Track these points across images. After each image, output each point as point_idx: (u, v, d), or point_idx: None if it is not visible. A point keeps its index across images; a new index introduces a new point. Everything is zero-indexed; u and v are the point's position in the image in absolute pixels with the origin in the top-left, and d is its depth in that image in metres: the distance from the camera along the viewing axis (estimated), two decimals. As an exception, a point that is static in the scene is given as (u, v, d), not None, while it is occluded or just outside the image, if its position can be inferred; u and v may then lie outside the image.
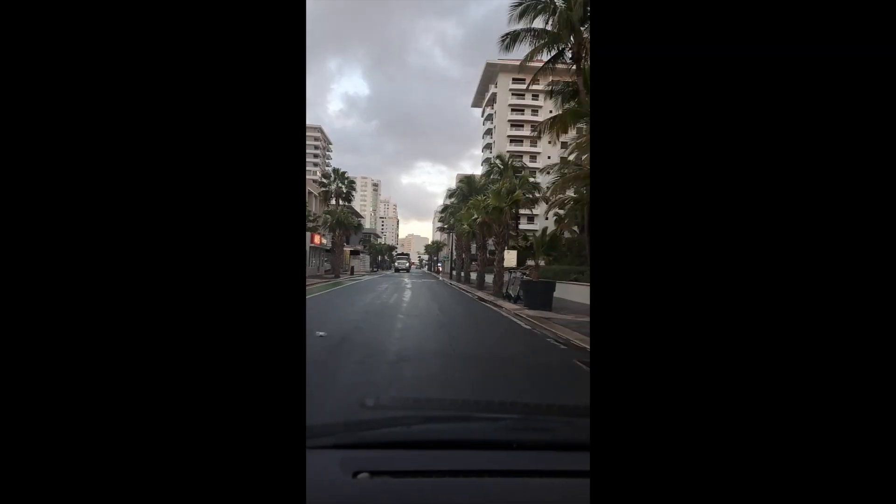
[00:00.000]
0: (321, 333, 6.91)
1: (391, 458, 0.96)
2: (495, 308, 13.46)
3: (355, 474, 0.85)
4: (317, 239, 33.64)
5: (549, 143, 20.61)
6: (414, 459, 0.94)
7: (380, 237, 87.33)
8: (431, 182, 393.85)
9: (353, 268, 35.73)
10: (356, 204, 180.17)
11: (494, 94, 61.17)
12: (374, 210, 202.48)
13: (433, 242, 70.91)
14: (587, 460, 0.78)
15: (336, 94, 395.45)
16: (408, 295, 17.86)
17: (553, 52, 16.07)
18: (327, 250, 36.44)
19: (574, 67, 15.43)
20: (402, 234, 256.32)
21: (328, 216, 32.63)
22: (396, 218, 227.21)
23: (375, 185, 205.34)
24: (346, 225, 32.90)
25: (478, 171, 46.56)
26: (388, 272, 40.95)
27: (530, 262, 21.23)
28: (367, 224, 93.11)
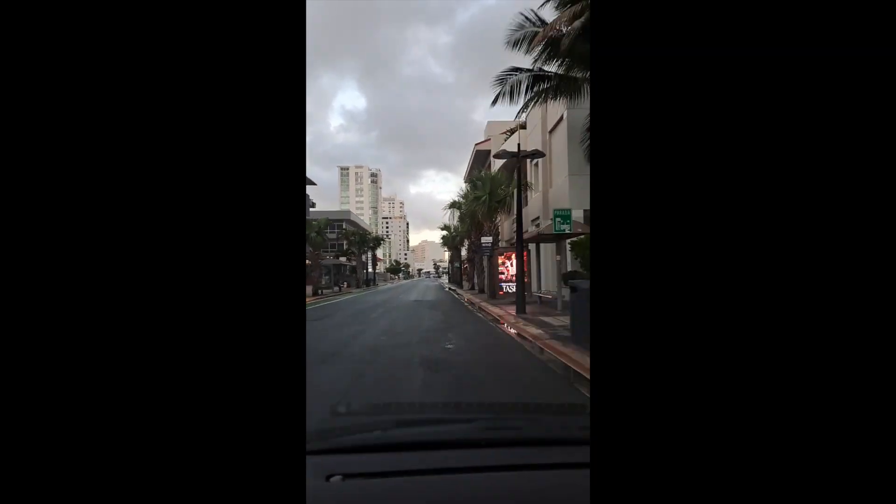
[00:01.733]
0: None
1: (364, 461, 0.97)
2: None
3: (328, 477, 0.87)
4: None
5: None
6: (386, 462, 0.97)
7: (370, 231, 47.22)
8: (439, 190, 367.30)
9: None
10: (351, 200, 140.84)
11: None
12: (375, 208, 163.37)
13: (470, 191, 21.64)
14: (554, 454, 0.96)
15: (334, 110, 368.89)
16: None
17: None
18: None
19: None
20: (413, 241, 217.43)
21: None
22: (404, 218, 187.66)
23: (374, 175, 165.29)
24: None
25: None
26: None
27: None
28: (369, 227, 55.02)
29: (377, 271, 77.04)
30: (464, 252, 37.28)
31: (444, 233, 40.10)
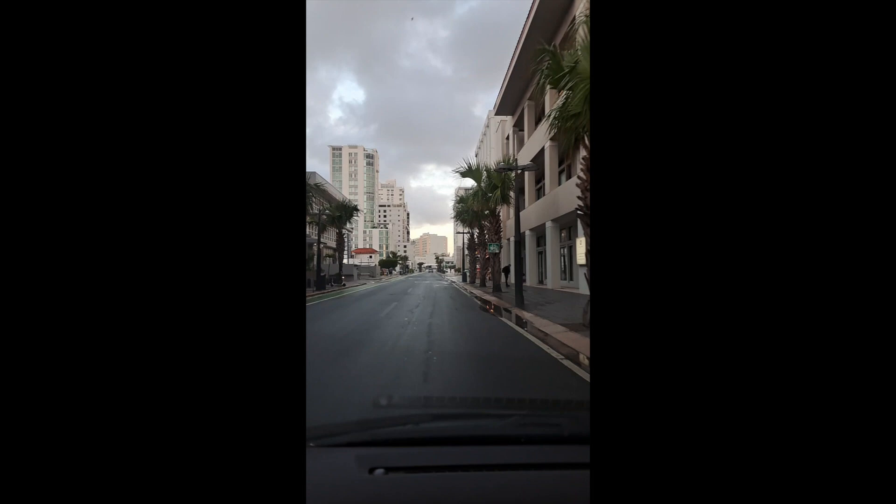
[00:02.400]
0: None
1: (405, 454, 0.99)
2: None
3: (371, 470, 0.89)
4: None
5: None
6: (427, 456, 0.99)
7: (345, 201, 27.55)
8: (440, 185, 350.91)
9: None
10: (344, 185, 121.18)
11: None
12: (371, 194, 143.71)
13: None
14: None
15: (333, 102, 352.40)
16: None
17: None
18: None
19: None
20: (415, 234, 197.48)
21: None
22: (404, 206, 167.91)
23: (370, 156, 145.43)
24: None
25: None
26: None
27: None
28: (362, 214, 36.03)
29: (361, 263, 57.09)
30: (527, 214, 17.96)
31: (466, 183, 20.78)
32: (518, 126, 27.29)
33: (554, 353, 5.19)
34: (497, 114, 29.20)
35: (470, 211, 21.64)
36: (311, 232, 24.18)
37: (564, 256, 19.37)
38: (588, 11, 8.01)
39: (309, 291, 19.77)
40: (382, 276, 55.15)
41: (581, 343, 5.59)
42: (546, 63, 7.43)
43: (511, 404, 2.13)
